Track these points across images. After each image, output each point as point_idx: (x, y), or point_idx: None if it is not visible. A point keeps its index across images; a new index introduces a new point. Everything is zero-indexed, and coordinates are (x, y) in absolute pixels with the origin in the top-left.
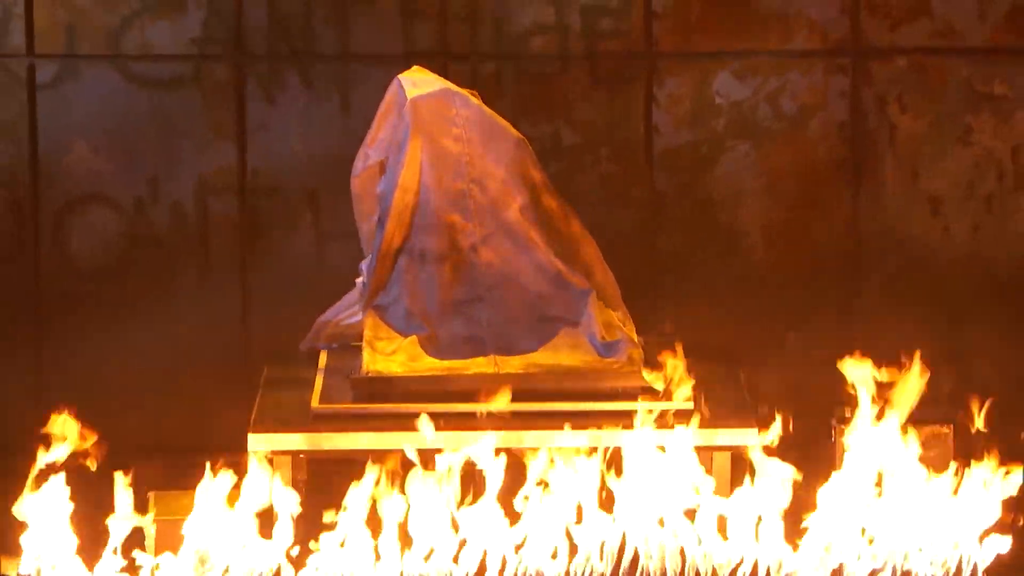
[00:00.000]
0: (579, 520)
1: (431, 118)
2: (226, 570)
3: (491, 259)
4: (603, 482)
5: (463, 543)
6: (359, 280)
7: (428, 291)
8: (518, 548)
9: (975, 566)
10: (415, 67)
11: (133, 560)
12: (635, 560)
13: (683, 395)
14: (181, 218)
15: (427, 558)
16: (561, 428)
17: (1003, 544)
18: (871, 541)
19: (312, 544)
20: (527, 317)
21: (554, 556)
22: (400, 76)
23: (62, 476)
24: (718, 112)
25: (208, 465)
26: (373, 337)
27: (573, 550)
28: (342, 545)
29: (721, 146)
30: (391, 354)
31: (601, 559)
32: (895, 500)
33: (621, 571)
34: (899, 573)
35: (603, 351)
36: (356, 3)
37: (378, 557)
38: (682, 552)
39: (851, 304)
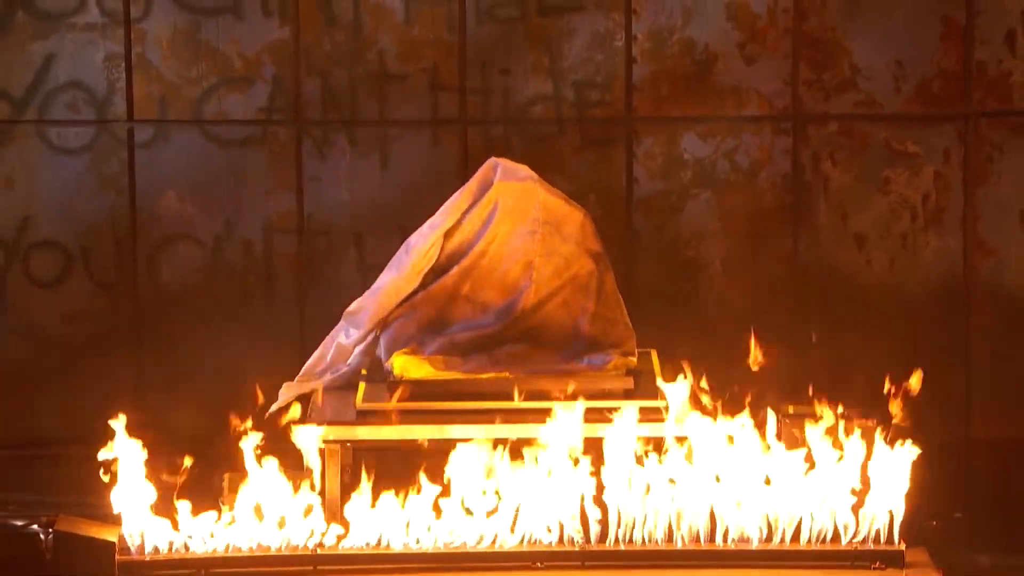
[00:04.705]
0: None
1: (515, 202)
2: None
3: (537, 323)
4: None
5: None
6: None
7: (474, 334)
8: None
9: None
10: (495, 159)
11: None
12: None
13: (658, 396)
14: (251, 253)
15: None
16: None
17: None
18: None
19: (349, 520)
20: (548, 364)
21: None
22: (496, 159)
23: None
24: (685, 166)
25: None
26: (413, 347)
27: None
28: (372, 507)
29: (687, 194)
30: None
31: (592, 535)
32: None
33: (608, 541)
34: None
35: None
36: (392, 79)
37: (410, 526)
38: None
39: (792, 321)
